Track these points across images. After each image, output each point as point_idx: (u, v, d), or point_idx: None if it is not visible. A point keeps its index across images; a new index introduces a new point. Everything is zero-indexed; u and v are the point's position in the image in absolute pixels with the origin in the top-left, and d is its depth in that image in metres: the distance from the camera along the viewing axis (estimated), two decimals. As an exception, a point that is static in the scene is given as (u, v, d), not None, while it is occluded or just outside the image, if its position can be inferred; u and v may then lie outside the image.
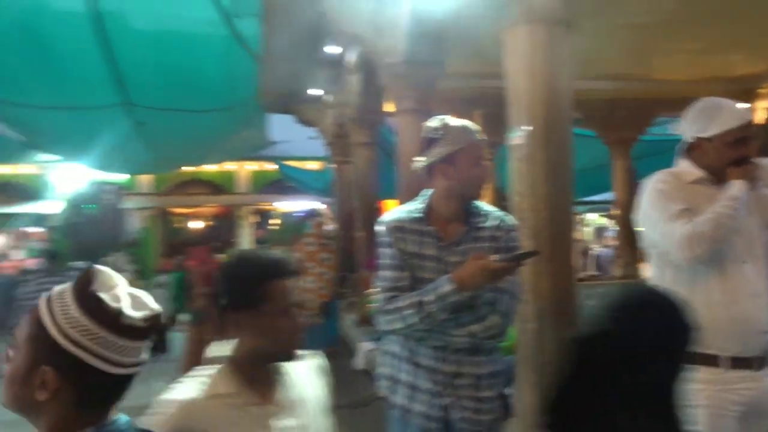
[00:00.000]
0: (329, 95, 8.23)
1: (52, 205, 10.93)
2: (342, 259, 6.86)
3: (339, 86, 7.31)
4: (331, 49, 6.72)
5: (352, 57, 5.94)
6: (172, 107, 4.64)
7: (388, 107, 6.20)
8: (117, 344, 0.92)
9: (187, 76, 4.25)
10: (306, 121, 10.20)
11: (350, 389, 5.11)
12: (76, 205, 10.32)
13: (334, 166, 9.30)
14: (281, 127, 9.05)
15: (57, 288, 0.95)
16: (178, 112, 4.74)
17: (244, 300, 1.21)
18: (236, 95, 4.81)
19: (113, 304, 0.92)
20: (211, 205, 15.17)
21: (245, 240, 15.28)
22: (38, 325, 0.91)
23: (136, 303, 0.96)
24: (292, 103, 9.51)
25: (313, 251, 6.75)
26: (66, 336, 0.90)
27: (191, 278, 8.16)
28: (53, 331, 0.90)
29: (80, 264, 8.82)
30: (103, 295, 0.92)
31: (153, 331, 0.97)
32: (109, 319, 0.91)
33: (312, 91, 8.82)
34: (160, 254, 13.16)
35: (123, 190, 11.58)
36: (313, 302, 6.59)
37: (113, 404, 0.98)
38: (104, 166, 7.41)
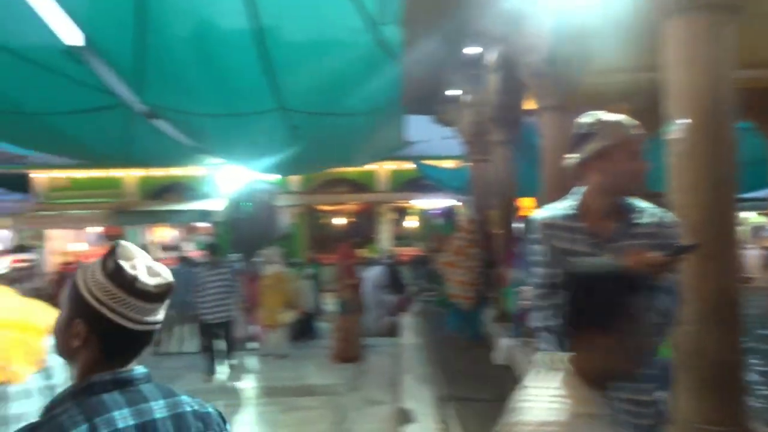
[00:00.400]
0: (467, 95, 8.24)
1: (216, 203, 11.94)
2: (481, 256, 6.86)
3: (478, 86, 7.30)
4: (471, 50, 6.73)
5: (492, 56, 5.89)
6: (321, 111, 4.89)
7: (528, 105, 6.08)
8: (133, 304, 1.11)
9: (334, 81, 4.44)
10: (444, 121, 10.29)
11: (491, 383, 5.12)
12: (236, 203, 11.24)
13: (470, 164, 9.29)
14: (418, 128, 9.19)
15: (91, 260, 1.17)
16: (327, 115, 4.99)
17: (599, 318, 1.19)
18: (379, 99, 4.95)
19: (131, 272, 1.11)
20: (353, 203, 15.76)
21: (385, 236, 15.69)
22: (74, 287, 1.13)
23: (152, 272, 1.14)
24: (430, 104, 9.65)
25: (463, 246, 6.83)
26: (92, 295, 1.10)
27: (336, 271, 8.57)
28: (84, 291, 1.11)
29: (238, 256, 9.64)
30: (123, 264, 1.12)
31: (165, 296, 1.15)
32: (127, 283, 1.10)
33: (450, 92, 8.89)
34: (308, 247, 13.93)
35: (276, 189, 12.38)
36: (468, 293, 6.69)
37: (133, 356, 1.15)
38: (261, 168, 7.97)
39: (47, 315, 2.31)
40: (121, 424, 1.08)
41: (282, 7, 3.51)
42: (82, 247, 14.71)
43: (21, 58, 3.52)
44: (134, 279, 1.11)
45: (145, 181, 13.55)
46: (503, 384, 3.99)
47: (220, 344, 7.15)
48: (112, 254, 1.14)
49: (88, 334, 1.11)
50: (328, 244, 13.56)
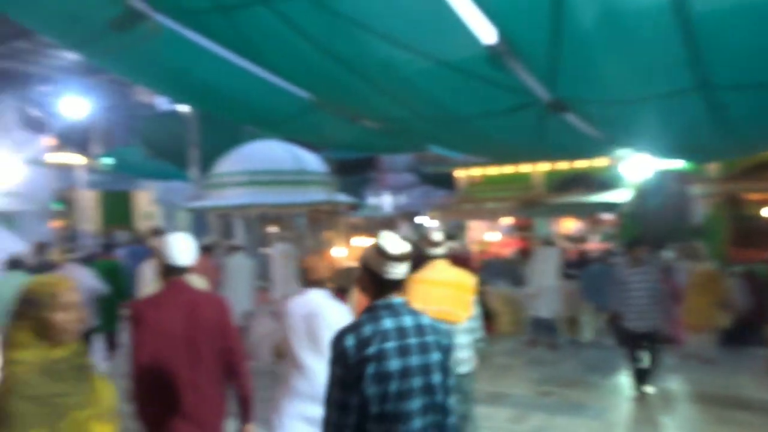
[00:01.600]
0: None
1: (622, 194, 11.45)
2: None
3: None
4: None
5: None
6: (757, 83, 4.12)
7: None
8: (386, 265, 2.19)
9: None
10: None
11: None
12: (643, 193, 10.56)
13: None
14: None
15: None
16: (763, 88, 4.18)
17: None
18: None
19: (384, 246, 2.20)
20: (790, 190, 12.99)
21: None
22: (362, 259, 2.26)
23: (396, 247, 2.21)
24: None
25: None
26: (366, 261, 2.23)
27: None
28: (363, 261, 2.25)
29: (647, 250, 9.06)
30: (382, 242, 2.22)
31: (404, 259, 2.20)
32: (381, 252, 2.20)
33: None
34: (730, 243, 12.11)
35: (687, 176, 11.16)
36: None
37: (391, 292, 2.22)
38: (673, 154, 7.27)
39: (472, 280, 4.46)
40: (386, 324, 2.14)
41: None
42: (496, 237, 16.12)
43: (446, 67, 3.98)
44: (385, 250, 2.21)
45: (550, 175, 13.94)
46: None
47: (644, 357, 6.57)
48: (378, 239, 2.26)
49: (369, 284, 2.24)
50: (754, 238, 11.55)
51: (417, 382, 2.07)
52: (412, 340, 2.12)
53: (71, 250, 6.51)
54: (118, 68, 7.48)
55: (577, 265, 9.68)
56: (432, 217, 19.22)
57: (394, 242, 2.21)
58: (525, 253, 13.40)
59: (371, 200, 27.52)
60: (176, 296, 2.90)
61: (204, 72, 5.77)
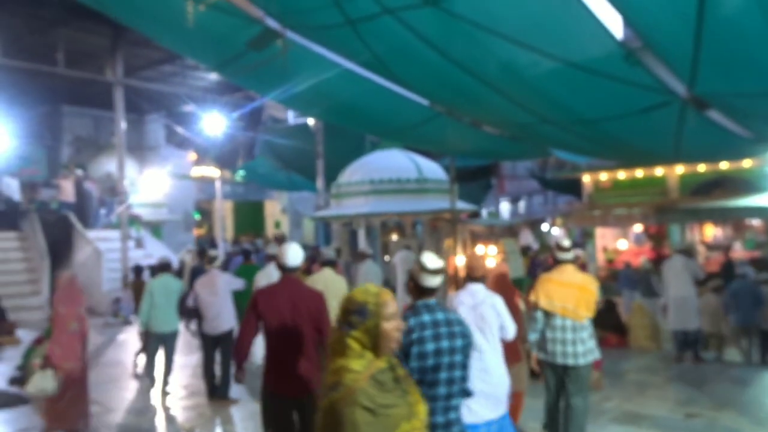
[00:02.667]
0: None
1: (772, 198, 10.38)
2: None
3: None
4: None
5: None
6: None
7: None
8: (425, 276, 2.99)
9: None
10: None
11: None
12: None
13: None
14: None
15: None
16: None
17: None
18: None
19: (425, 262, 3.01)
20: None
21: None
22: (410, 272, 3.11)
23: (433, 263, 3.01)
24: None
25: None
26: (413, 274, 3.05)
27: None
28: (411, 273, 3.06)
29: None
30: (423, 259, 3.03)
31: (439, 272, 3.00)
32: (422, 267, 3.00)
33: None
34: None
35: None
36: None
37: (430, 296, 3.01)
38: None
39: (595, 284, 5.06)
40: (425, 318, 2.92)
41: None
42: (625, 244, 15.23)
43: (575, 67, 3.84)
44: (424, 265, 3.01)
45: (687, 178, 12.94)
46: None
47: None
48: (421, 257, 3.06)
49: (414, 289, 3.04)
50: None
51: (445, 359, 2.91)
52: (443, 330, 2.94)
53: (215, 257, 7.02)
54: (252, 85, 8.02)
55: (721, 276, 8.88)
56: (557, 225, 18.58)
57: (432, 260, 3.06)
58: (658, 262, 12.55)
59: (491, 208, 27.18)
60: (286, 288, 4.03)
61: (330, 85, 6.03)
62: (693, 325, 8.36)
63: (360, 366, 2.08)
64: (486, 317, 4.13)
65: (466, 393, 3.02)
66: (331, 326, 3.70)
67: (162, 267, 7.58)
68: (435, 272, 3.01)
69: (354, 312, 2.17)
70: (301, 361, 3.89)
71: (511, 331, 4.17)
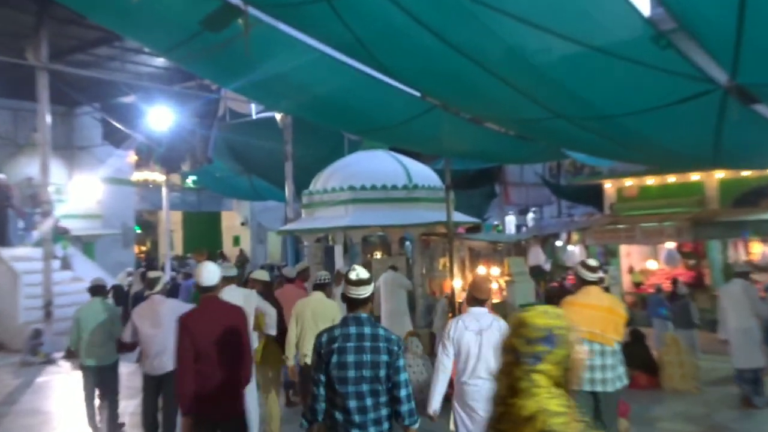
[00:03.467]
0: None
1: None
2: None
3: None
4: None
5: None
6: None
7: None
8: (348, 288, 3.73)
9: None
10: None
11: None
12: None
13: None
14: None
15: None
16: None
17: None
18: None
19: (348, 274, 3.75)
20: None
21: None
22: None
23: (356, 274, 3.73)
24: None
25: None
26: (344, 289, 3.80)
27: None
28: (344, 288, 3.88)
29: None
30: (350, 272, 3.76)
31: (362, 283, 3.70)
32: (346, 279, 3.75)
33: None
34: None
35: None
36: None
37: (358, 308, 3.72)
38: None
39: (623, 306, 5.69)
40: (351, 330, 3.64)
41: None
42: (655, 265, 15.36)
43: (596, 52, 3.87)
44: (348, 276, 3.73)
45: (728, 185, 13.11)
46: None
47: None
48: (350, 270, 3.81)
49: (344, 301, 3.78)
50: None
51: (367, 372, 3.57)
52: (367, 343, 3.60)
53: (156, 279, 6.98)
54: (208, 73, 8.00)
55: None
56: (573, 241, 18.70)
57: (356, 271, 3.75)
58: (697, 286, 12.66)
59: (495, 220, 27.30)
60: (208, 308, 4.81)
61: (302, 73, 6.04)
62: (760, 363, 8.28)
63: (559, 406, 2.03)
64: (493, 344, 4.44)
65: (399, 415, 3.67)
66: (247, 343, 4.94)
67: (94, 290, 7.58)
68: (358, 283, 3.72)
69: (539, 340, 2.11)
70: (227, 382, 4.62)
71: None
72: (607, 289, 9.45)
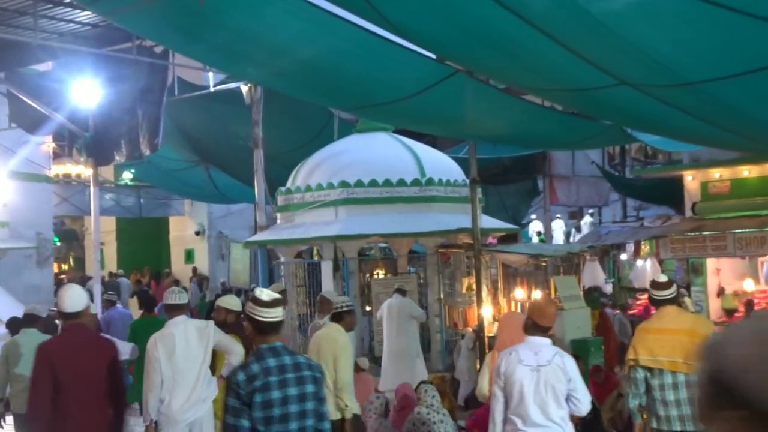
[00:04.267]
0: None
1: None
2: None
3: None
4: None
5: None
6: None
7: None
8: (259, 309, 4.22)
9: None
10: None
11: None
12: None
13: None
14: None
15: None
16: None
17: None
18: None
19: (256, 294, 4.37)
20: None
21: None
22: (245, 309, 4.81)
23: (268, 294, 4.33)
24: None
25: None
26: (247, 312, 4.46)
27: None
28: (246, 313, 4.58)
29: None
30: (257, 292, 4.40)
31: (276, 304, 4.26)
32: (254, 299, 4.31)
33: None
34: None
35: None
36: None
37: (272, 334, 4.26)
38: None
39: (709, 325, 6.80)
40: (270, 363, 4.11)
41: None
42: (752, 285, 15.32)
43: None
44: (256, 297, 4.29)
45: None
46: None
47: None
48: (253, 292, 4.49)
49: (253, 329, 4.31)
50: None
51: (294, 408, 4.08)
52: (290, 375, 4.09)
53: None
54: (151, 31, 8.01)
55: None
56: (642, 254, 18.67)
57: (266, 292, 4.31)
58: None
59: (537, 225, 27.25)
60: (75, 337, 5.51)
61: (279, 29, 6.05)
62: None
63: None
64: (552, 384, 4.83)
65: None
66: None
67: (28, 320, 7.91)
68: (270, 304, 4.18)
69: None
70: (94, 423, 5.30)
71: (584, 404, 4.99)
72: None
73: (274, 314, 4.18)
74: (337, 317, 7.16)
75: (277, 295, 4.25)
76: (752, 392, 1.45)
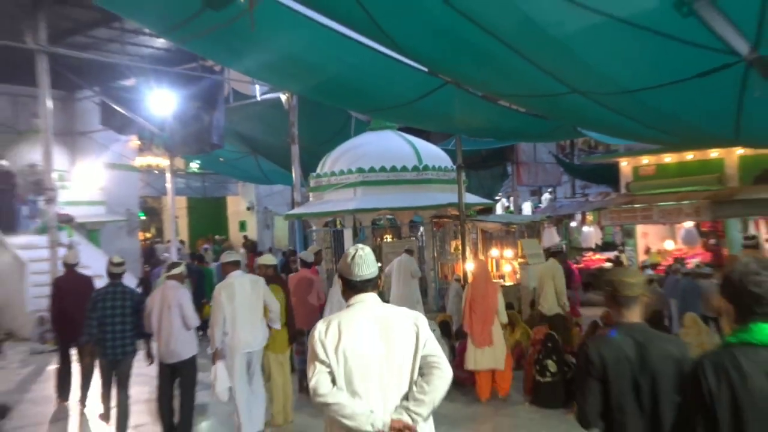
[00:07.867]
0: None
1: None
2: None
3: None
4: None
5: None
6: None
7: None
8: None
9: None
10: None
11: None
12: None
13: None
14: None
15: None
16: None
17: None
18: None
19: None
20: None
21: None
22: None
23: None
24: None
25: None
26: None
27: None
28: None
29: None
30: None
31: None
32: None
33: None
34: None
35: None
36: None
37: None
38: None
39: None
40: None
41: None
42: (672, 245, 15.30)
43: (620, 23, 3.83)
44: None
45: (748, 161, 12.99)
46: None
47: None
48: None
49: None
50: None
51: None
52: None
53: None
54: (211, 53, 7.98)
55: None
56: (588, 222, 18.63)
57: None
58: (716, 266, 12.61)
59: (507, 201, 27.25)
60: (69, 276, 8.89)
61: (308, 50, 6.01)
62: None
63: None
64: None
65: None
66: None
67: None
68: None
69: None
70: (78, 313, 7.35)
71: None
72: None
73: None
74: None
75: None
76: None
